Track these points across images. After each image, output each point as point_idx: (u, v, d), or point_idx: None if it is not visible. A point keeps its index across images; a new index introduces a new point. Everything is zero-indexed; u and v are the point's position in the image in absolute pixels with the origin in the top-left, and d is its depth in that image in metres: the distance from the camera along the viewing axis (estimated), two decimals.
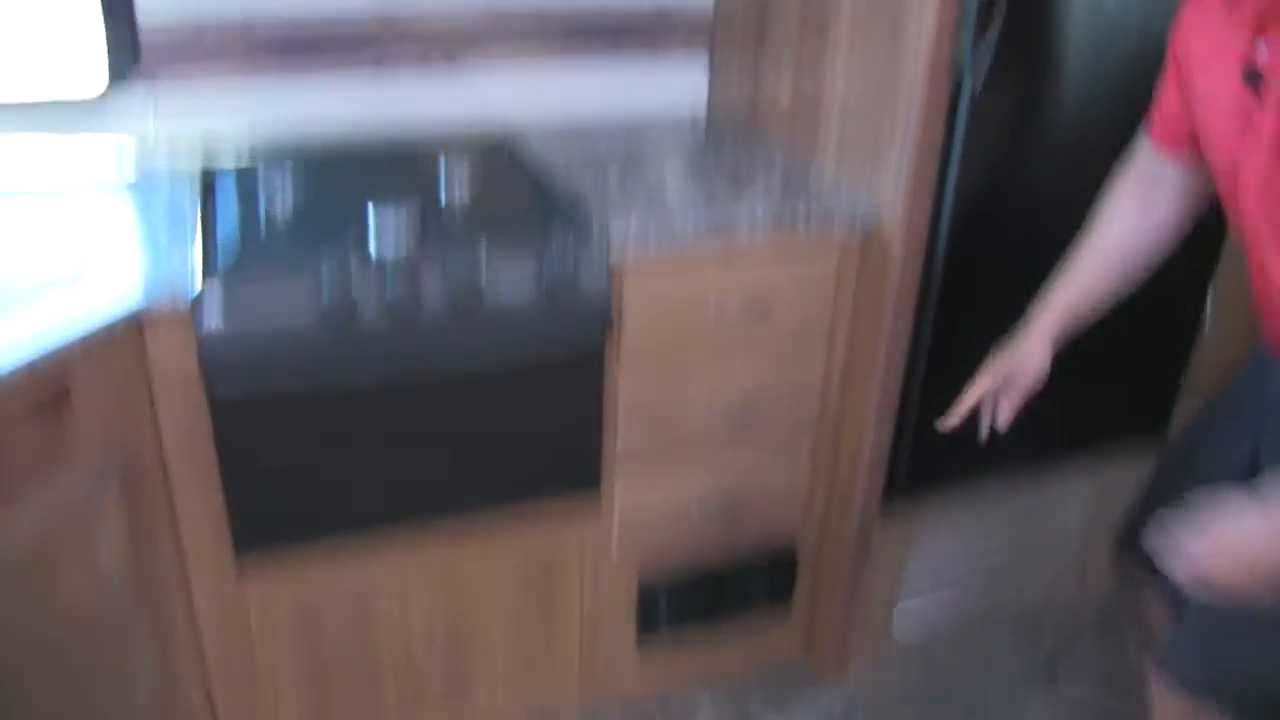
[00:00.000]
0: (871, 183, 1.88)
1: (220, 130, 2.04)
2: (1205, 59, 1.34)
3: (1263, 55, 1.23)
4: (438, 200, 1.84)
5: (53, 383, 1.40)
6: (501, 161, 2.04)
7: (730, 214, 1.81)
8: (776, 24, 2.10)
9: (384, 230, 1.64)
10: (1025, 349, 1.61)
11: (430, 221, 1.72)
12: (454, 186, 1.86)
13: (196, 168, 1.96)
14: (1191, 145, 1.46)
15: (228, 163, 1.97)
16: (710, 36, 2.34)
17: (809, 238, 1.87)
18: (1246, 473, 1.44)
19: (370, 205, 1.65)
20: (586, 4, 2.23)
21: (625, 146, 2.15)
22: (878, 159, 1.86)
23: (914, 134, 1.77)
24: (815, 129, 2.02)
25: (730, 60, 2.30)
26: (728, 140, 2.20)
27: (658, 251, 1.76)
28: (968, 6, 1.69)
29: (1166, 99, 1.48)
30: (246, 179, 1.89)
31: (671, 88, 2.37)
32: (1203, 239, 2.11)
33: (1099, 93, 1.87)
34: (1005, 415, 1.64)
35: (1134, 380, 2.24)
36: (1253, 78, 1.24)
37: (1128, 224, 1.57)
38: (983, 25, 1.69)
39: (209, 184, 1.89)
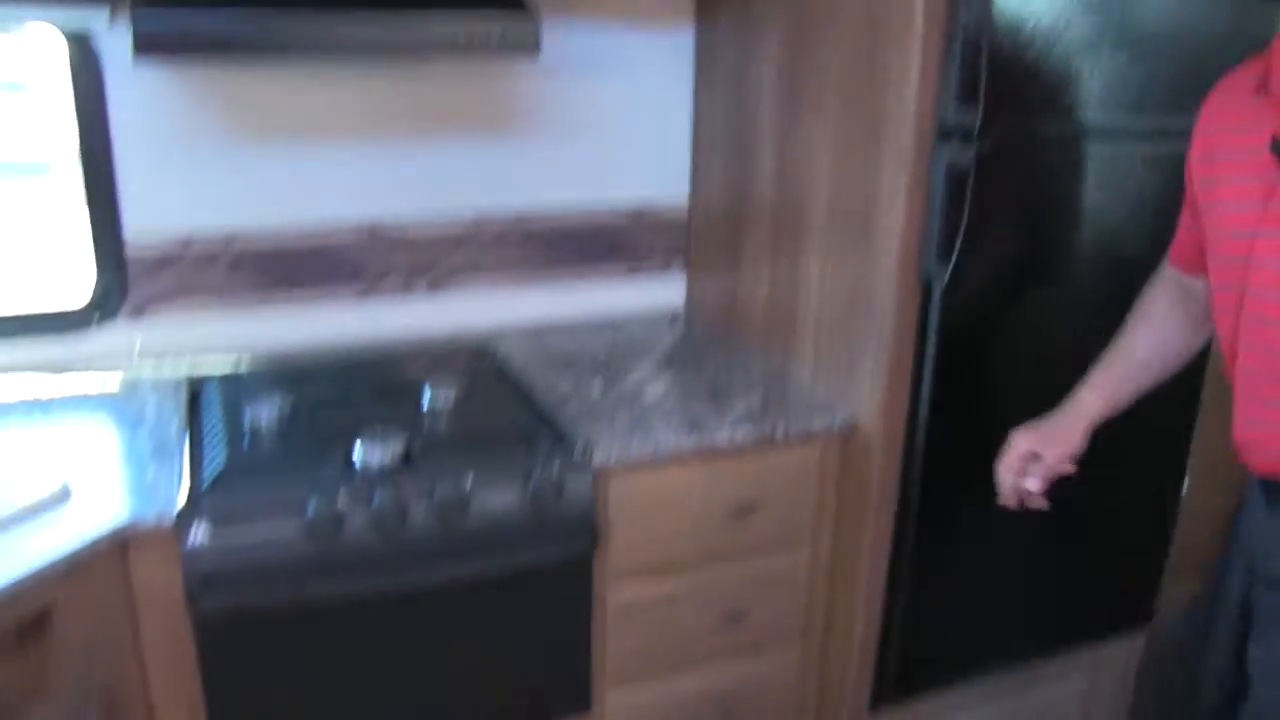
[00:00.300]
0: (848, 385, 1.92)
1: (206, 345, 2.07)
2: (1229, 139, 1.39)
3: None
4: (421, 412, 1.85)
5: (33, 608, 1.37)
6: (484, 370, 2.06)
7: (711, 424, 1.83)
8: (751, 232, 2.17)
9: (369, 444, 1.64)
10: (1066, 423, 1.64)
11: (414, 434, 1.73)
12: (437, 398, 1.87)
13: (182, 382, 1.97)
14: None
15: (213, 377, 1.99)
16: (687, 242, 2.42)
17: (789, 440, 1.89)
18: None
19: (355, 419, 1.66)
20: (565, 212, 2.30)
21: (606, 350, 2.19)
22: (853, 362, 1.90)
23: (887, 338, 1.82)
24: (791, 334, 2.07)
25: (707, 265, 2.37)
26: (707, 344, 2.25)
27: (640, 461, 1.77)
28: (934, 216, 1.76)
29: (1184, 226, 1.58)
30: (232, 393, 1.90)
31: (650, 291, 2.43)
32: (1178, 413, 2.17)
33: (1065, 284, 1.93)
34: (1036, 485, 1.65)
35: (1117, 568, 2.24)
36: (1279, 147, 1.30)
37: (1166, 320, 1.65)
38: (949, 232, 1.76)
39: (195, 398, 1.91)
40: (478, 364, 2.09)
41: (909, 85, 1.71)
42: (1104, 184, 1.90)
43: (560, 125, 2.25)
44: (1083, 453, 1.65)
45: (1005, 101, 1.74)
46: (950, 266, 1.77)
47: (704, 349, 2.22)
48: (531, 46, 1.75)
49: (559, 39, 2.18)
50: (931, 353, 1.84)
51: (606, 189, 2.33)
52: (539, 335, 2.28)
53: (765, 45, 2.06)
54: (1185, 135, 1.51)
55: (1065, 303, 1.95)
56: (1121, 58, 1.84)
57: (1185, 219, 1.58)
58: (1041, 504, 1.67)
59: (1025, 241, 1.86)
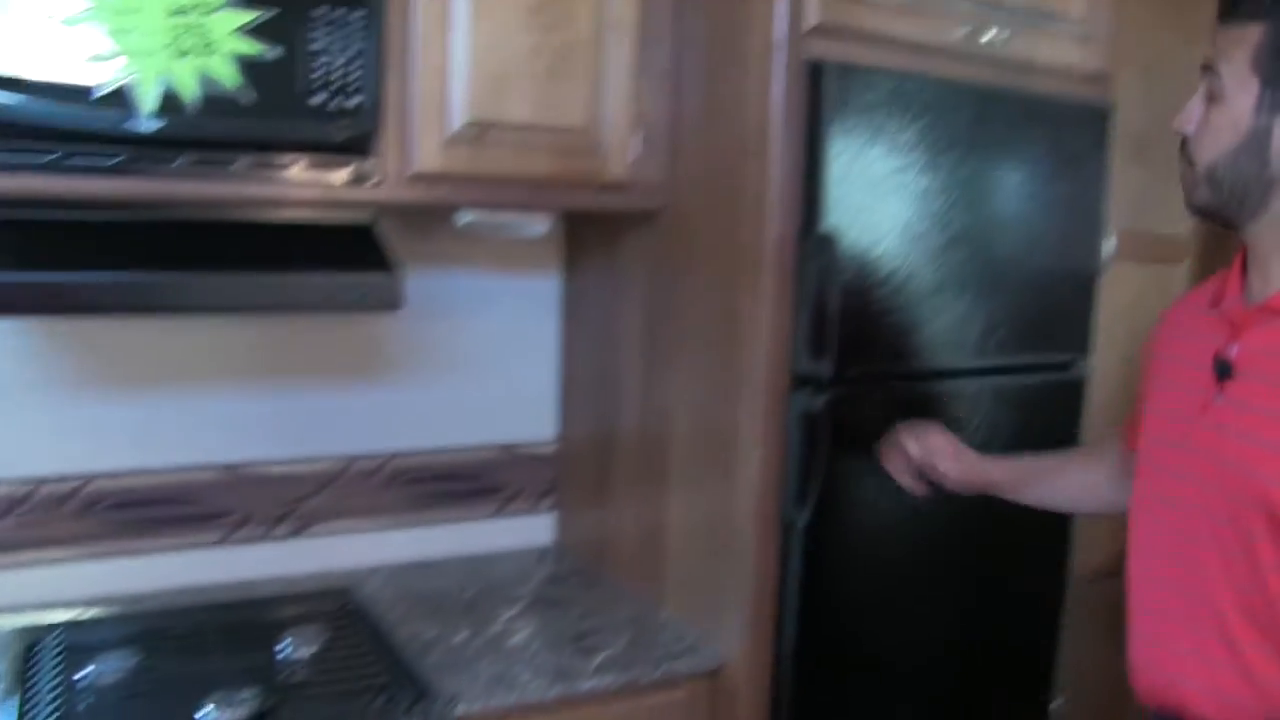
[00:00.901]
0: (715, 626, 1.92)
1: (50, 593, 1.98)
2: (1178, 345, 1.45)
3: (1233, 352, 1.33)
4: (277, 665, 1.79)
5: None
6: (347, 616, 2.01)
7: (577, 671, 1.81)
8: (618, 470, 2.20)
9: (218, 705, 1.58)
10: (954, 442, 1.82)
11: (268, 691, 1.67)
12: (296, 648, 1.82)
13: (17, 634, 1.88)
14: None
15: (55, 627, 1.90)
16: (556, 480, 2.43)
17: (655, 685, 1.87)
18: None
19: (206, 675, 1.60)
20: (433, 451, 2.31)
21: (475, 590, 2.16)
22: (719, 603, 1.91)
23: (749, 579, 1.84)
24: (659, 574, 2.07)
25: (576, 502, 2.38)
26: (576, 583, 2.24)
27: (504, 714, 1.73)
28: (791, 459, 1.81)
29: (1137, 411, 1.61)
30: (73, 647, 1.81)
31: (520, 529, 2.43)
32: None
33: (926, 520, 1.99)
34: (915, 450, 1.82)
35: None
36: (1222, 369, 1.34)
37: (1104, 466, 1.73)
38: (806, 475, 1.80)
39: (31, 652, 1.81)
40: (341, 609, 2.04)
41: (761, 338, 1.79)
42: (957, 418, 1.98)
43: (428, 366, 2.28)
44: (961, 479, 1.81)
45: (856, 348, 1.84)
46: (809, 508, 1.81)
47: (573, 588, 2.20)
48: (392, 304, 1.78)
49: (428, 285, 2.23)
50: (794, 594, 1.86)
51: (475, 428, 2.35)
52: (407, 576, 2.24)
53: (629, 293, 2.14)
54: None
55: (927, 539, 2.00)
56: (966, 300, 1.96)
57: (1139, 402, 1.61)
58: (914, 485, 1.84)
59: (883, 480, 1.91)
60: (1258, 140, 1.29)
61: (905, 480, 1.84)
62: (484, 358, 2.33)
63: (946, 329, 1.95)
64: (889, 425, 1.89)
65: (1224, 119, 1.31)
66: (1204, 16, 2.43)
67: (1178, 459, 1.38)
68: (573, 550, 2.39)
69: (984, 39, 1.94)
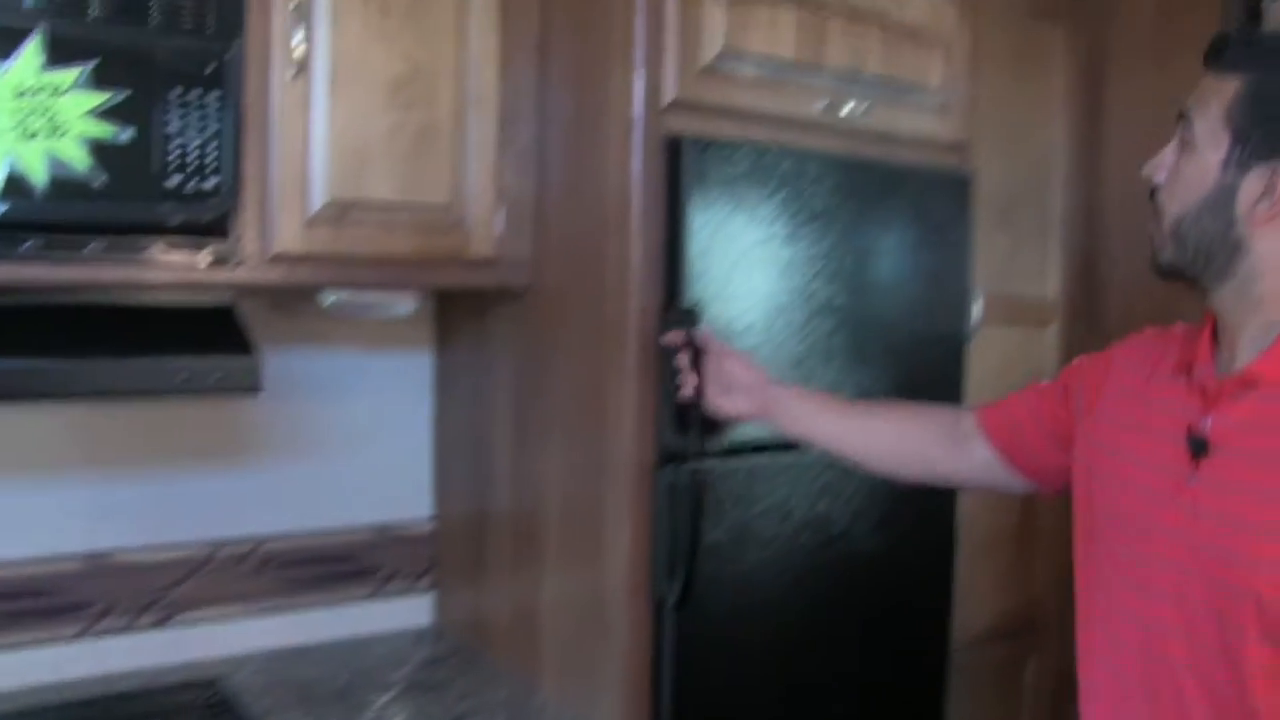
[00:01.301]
0: (590, 707, 1.89)
1: None
2: (1141, 411, 1.34)
3: (1207, 427, 1.23)
4: None
5: None
6: (212, 706, 1.94)
7: None
8: (492, 549, 2.17)
9: None
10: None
11: None
12: None
13: None
14: (1009, 450, 1.59)
15: None
16: (433, 559, 2.39)
17: None
18: None
19: None
20: (306, 534, 2.25)
21: (349, 675, 2.10)
22: (593, 683, 1.89)
23: (622, 657, 1.81)
24: (535, 653, 2.04)
25: (453, 582, 2.34)
26: (454, 664, 2.19)
27: None
28: (659, 537, 1.80)
29: (1020, 410, 1.58)
30: None
31: (397, 610, 2.37)
32: None
33: (799, 591, 1.98)
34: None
35: None
36: (1197, 446, 1.23)
37: (921, 424, 1.72)
38: (675, 552, 1.79)
39: None
40: (208, 701, 1.97)
41: (626, 413, 1.79)
42: (829, 484, 1.99)
43: (299, 447, 2.24)
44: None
45: (722, 423, 1.83)
46: (679, 582, 1.80)
47: (450, 671, 2.16)
48: (251, 386, 1.75)
49: (296, 364, 2.20)
50: (669, 671, 1.84)
51: (349, 509, 2.30)
52: (280, 663, 2.17)
53: (498, 370, 2.13)
54: None
55: (804, 609, 2.00)
56: (834, 370, 1.98)
57: (1028, 407, 1.57)
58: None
59: (755, 555, 1.91)
60: (1223, 197, 1.21)
61: (684, 383, 1.76)
62: (356, 437, 2.29)
63: None
64: (758, 500, 1.89)
65: (1193, 170, 1.24)
66: (1059, 83, 2.53)
67: (1147, 543, 1.27)
68: (451, 631, 2.35)
69: (843, 112, 1.98)
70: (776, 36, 1.90)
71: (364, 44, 1.81)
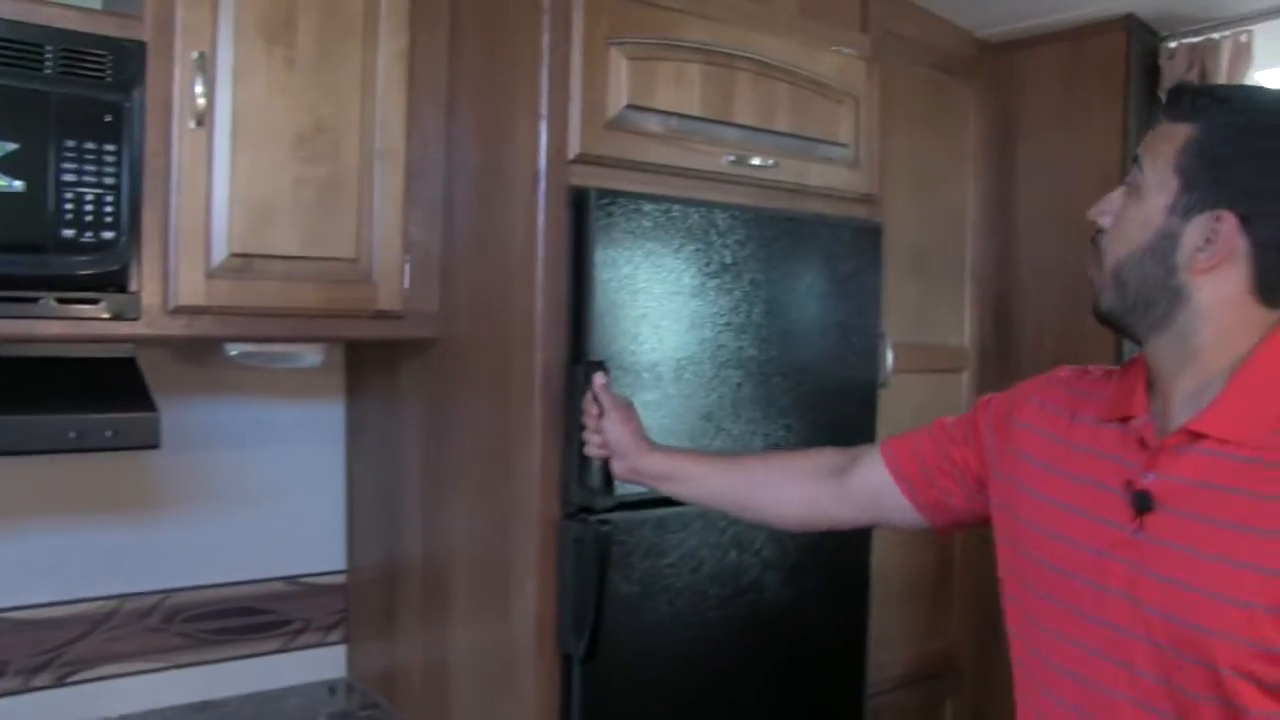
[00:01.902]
0: None
1: None
2: (1075, 463, 1.30)
3: (1149, 480, 1.20)
4: None
5: None
6: None
7: None
8: (404, 601, 2.15)
9: None
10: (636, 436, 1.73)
11: None
12: None
13: None
14: (908, 475, 1.52)
15: None
16: (347, 610, 2.36)
17: None
18: None
19: None
20: (216, 586, 2.22)
21: None
22: None
23: (529, 708, 1.80)
24: (445, 707, 2.02)
25: (366, 634, 2.31)
26: (361, 716, 2.16)
27: None
28: (566, 591, 1.79)
29: (925, 441, 1.53)
30: None
31: (310, 662, 2.34)
32: None
33: (708, 647, 1.98)
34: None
35: None
36: (1141, 501, 1.20)
37: (800, 471, 1.67)
38: (582, 607, 1.78)
39: None
40: None
41: (532, 467, 1.78)
42: (735, 541, 1.99)
43: (209, 498, 2.21)
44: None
45: None
46: (586, 638, 1.79)
47: None
48: (149, 441, 1.72)
49: (204, 415, 2.17)
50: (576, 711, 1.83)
51: (260, 560, 2.27)
52: (187, 718, 2.13)
53: (408, 421, 2.12)
54: None
55: (715, 659, 1.99)
56: (744, 421, 1.98)
57: (930, 439, 1.52)
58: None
59: (665, 606, 1.90)
60: (1165, 243, 1.19)
61: (587, 438, 1.77)
62: (268, 487, 2.26)
63: (725, 450, 1.97)
64: (666, 549, 1.89)
65: (1138, 215, 1.22)
66: (971, 138, 2.57)
67: (1090, 601, 1.23)
68: (364, 683, 2.31)
69: (752, 165, 2.00)
70: (683, 91, 1.91)
71: (268, 97, 1.80)
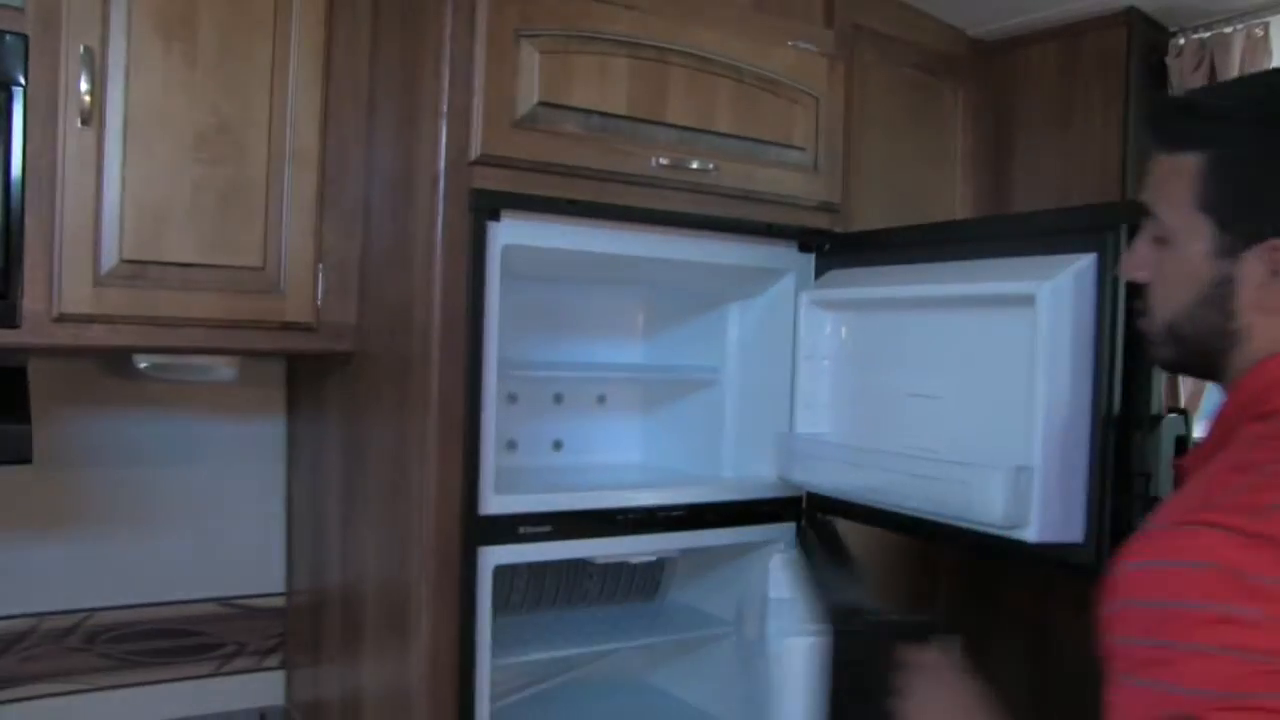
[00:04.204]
0: None
1: None
2: None
3: None
4: None
5: None
6: None
7: None
8: (327, 628, 2.04)
9: None
10: None
11: None
12: None
13: None
14: None
15: None
16: (285, 635, 2.26)
17: None
18: None
19: None
20: (146, 606, 2.14)
21: None
22: None
23: None
24: None
25: (301, 660, 2.21)
26: None
27: None
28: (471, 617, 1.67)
29: None
30: None
31: (245, 689, 2.24)
32: None
33: None
34: None
35: None
36: None
37: None
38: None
39: None
40: None
41: (429, 491, 1.66)
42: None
43: (137, 515, 2.12)
44: None
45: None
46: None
47: None
48: (21, 456, 1.63)
49: (134, 430, 2.09)
50: None
51: (194, 581, 2.18)
52: None
53: (330, 440, 2.02)
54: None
55: None
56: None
57: None
58: None
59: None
60: (1220, 291, 1.06)
61: None
62: (202, 506, 2.17)
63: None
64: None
65: (1177, 268, 1.09)
66: (959, 143, 2.40)
67: None
68: (299, 711, 2.21)
69: (691, 167, 1.85)
70: (607, 87, 1.77)
71: (165, 95, 1.72)
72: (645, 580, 2.26)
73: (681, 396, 2.20)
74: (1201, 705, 0.85)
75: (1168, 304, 1.12)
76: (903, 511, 1.68)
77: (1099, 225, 1.48)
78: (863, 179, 2.18)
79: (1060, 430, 1.48)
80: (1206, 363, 1.11)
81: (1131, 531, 1.24)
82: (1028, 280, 1.50)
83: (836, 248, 1.99)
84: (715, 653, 2.17)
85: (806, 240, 2.01)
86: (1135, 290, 1.18)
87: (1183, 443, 1.50)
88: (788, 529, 2.00)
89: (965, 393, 1.67)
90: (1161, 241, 1.10)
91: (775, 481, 1.97)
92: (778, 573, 1.94)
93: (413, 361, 1.71)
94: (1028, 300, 1.49)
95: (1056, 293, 1.48)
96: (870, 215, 2.18)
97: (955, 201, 2.42)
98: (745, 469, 2.07)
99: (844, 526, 1.89)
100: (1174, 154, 1.08)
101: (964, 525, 1.56)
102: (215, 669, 2.21)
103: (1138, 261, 1.15)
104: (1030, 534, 1.48)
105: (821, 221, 2.04)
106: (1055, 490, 1.48)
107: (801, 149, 1.99)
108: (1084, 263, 1.48)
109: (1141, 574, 0.93)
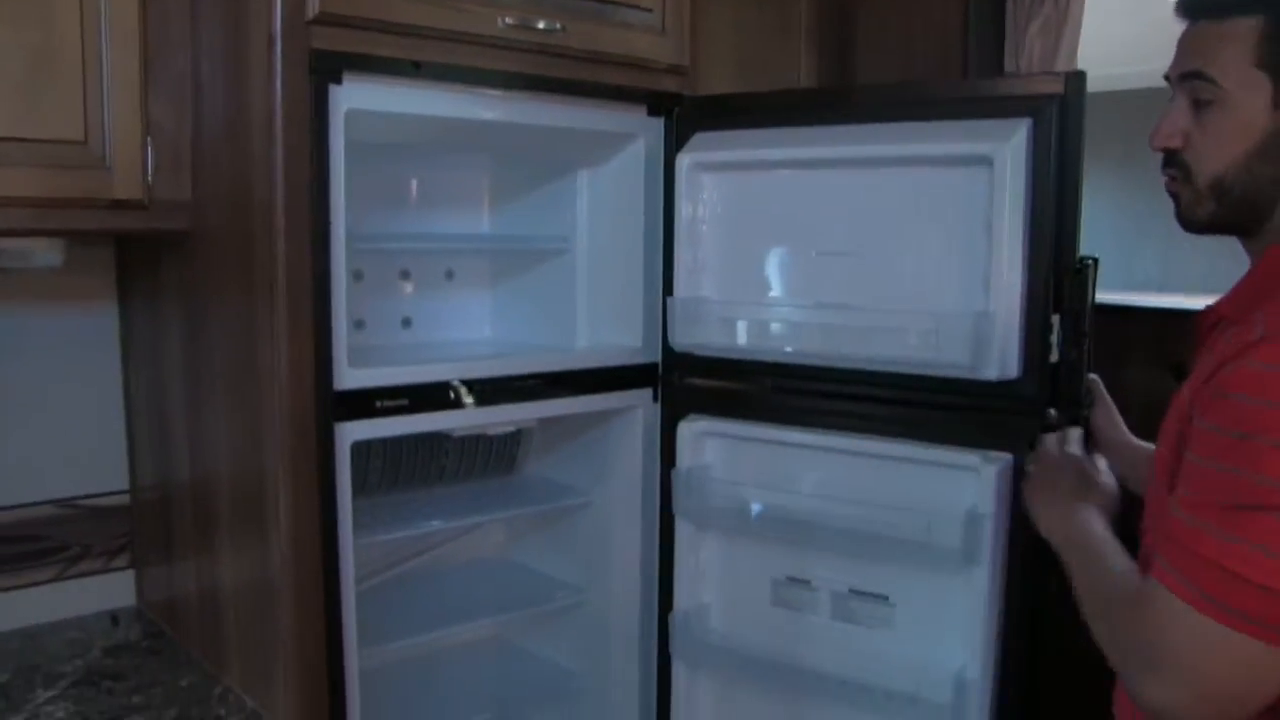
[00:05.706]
0: (268, 691, 1.72)
1: None
2: None
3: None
4: None
5: None
6: None
7: None
8: (178, 523, 1.97)
9: None
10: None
11: None
12: None
13: None
14: None
15: None
16: (132, 535, 2.17)
17: None
18: None
19: None
20: None
21: (12, 669, 1.87)
22: (270, 664, 1.71)
23: (292, 632, 1.65)
24: (219, 637, 1.85)
25: (151, 560, 2.13)
26: (142, 649, 1.98)
27: None
28: (334, 495, 1.63)
29: None
30: None
31: (91, 591, 2.13)
32: None
33: None
34: None
35: None
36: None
37: None
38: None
39: None
40: None
41: (280, 369, 1.60)
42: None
43: None
44: None
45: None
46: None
47: (136, 658, 1.94)
48: None
49: None
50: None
51: (27, 483, 2.06)
52: None
53: (169, 326, 1.92)
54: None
55: None
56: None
57: None
58: None
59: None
60: (1277, 140, 1.16)
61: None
62: (29, 402, 2.04)
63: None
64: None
65: (1231, 123, 1.17)
66: (803, 16, 2.39)
67: None
68: (152, 611, 2.13)
69: (537, 27, 1.79)
70: None
71: None
72: (502, 454, 2.26)
73: (531, 268, 2.18)
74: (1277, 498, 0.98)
75: (1218, 159, 1.19)
76: (833, 365, 1.78)
77: (1035, 94, 1.63)
78: (708, 50, 2.15)
79: (1006, 279, 1.63)
80: (1251, 216, 1.20)
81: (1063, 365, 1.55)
82: (984, 142, 1.62)
83: (694, 112, 1.97)
84: (574, 525, 2.19)
85: (656, 103, 1.99)
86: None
87: None
88: (644, 394, 2.01)
89: (889, 249, 1.76)
90: (1210, 104, 1.18)
91: (631, 348, 1.98)
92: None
93: (255, 236, 1.63)
94: (983, 160, 1.62)
95: (1015, 153, 1.60)
96: (716, 81, 2.16)
97: (799, 75, 2.42)
98: (600, 337, 2.07)
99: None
100: (1224, 20, 1.16)
101: (918, 372, 1.72)
102: (59, 573, 2.11)
103: (1172, 130, 1.22)
104: (991, 373, 1.63)
105: (670, 85, 2.01)
106: (1003, 332, 1.63)
107: (649, 10, 1.96)
108: (1026, 126, 1.61)
109: (1258, 374, 1.04)
